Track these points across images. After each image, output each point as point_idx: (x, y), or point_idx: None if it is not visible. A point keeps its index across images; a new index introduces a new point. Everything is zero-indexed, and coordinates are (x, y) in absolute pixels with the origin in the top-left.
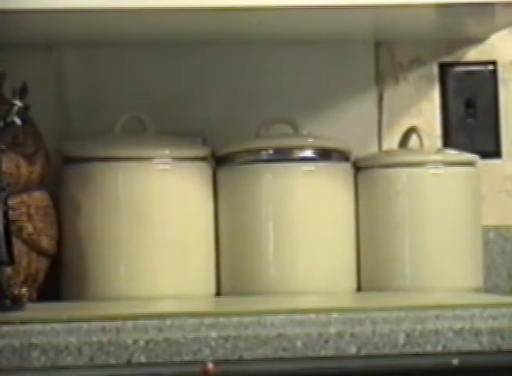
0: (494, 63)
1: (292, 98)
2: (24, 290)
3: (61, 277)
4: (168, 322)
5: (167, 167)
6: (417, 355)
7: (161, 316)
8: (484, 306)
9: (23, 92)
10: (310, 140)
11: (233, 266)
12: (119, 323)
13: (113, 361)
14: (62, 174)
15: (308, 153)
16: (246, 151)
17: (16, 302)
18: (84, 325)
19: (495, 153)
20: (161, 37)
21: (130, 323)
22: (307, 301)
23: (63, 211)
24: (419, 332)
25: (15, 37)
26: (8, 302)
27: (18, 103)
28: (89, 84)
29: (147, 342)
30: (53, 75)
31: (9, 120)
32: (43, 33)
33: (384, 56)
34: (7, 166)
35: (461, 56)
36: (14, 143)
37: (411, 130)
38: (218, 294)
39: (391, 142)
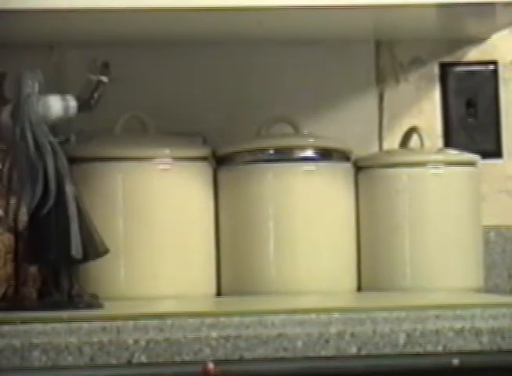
0: (495, 62)
1: (292, 98)
2: (25, 290)
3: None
4: (169, 322)
5: (167, 167)
6: (418, 355)
7: (162, 316)
8: (485, 306)
9: (105, 68)
10: (311, 140)
11: (234, 266)
12: (119, 323)
13: (113, 361)
14: None
15: (309, 153)
16: (246, 151)
17: (96, 300)
18: (85, 325)
19: (496, 153)
20: (162, 37)
21: (130, 323)
22: (307, 301)
23: None
24: (419, 332)
25: (16, 37)
26: (86, 300)
27: (104, 79)
28: None
29: (148, 342)
30: (54, 75)
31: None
32: (44, 33)
33: (385, 55)
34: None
35: (462, 56)
36: None
37: (412, 130)
38: (219, 294)
39: (392, 142)
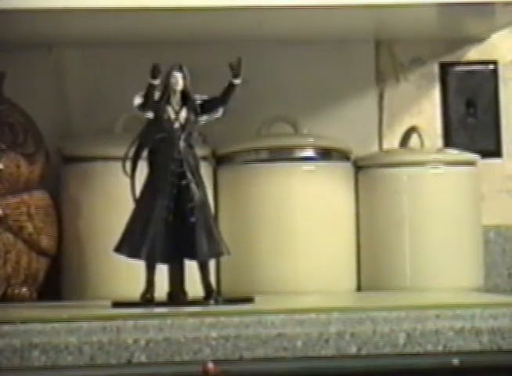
0: (494, 62)
1: (292, 97)
2: (24, 289)
3: (61, 277)
4: (169, 321)
5: None
6: (418, 354)
7: (161, 316)
8: (485, 306)
9: (238, 68)
10: (310, 140)
11: (233, 266)
12: (119, 323)
13: (113, 361)
14: (62, 173)
15: (309, 152)
16: (246, 150)
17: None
18: (85, 325)
19: (496, 152)
20: (161, 37)
21: (130, 323)
22: (307, 300)
23: (63, 210)
24: (419, 332)
25: (15, 37)
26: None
27: (235, 82)
28: (89, 84)
29: (147, 342)
30: (53, 75)
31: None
32: (43, 33)
33: (385, 55)
34: (7, 165)
35: (462, 56)
36: (14, 143)
37: (411, 129)
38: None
39: (392, 141)
